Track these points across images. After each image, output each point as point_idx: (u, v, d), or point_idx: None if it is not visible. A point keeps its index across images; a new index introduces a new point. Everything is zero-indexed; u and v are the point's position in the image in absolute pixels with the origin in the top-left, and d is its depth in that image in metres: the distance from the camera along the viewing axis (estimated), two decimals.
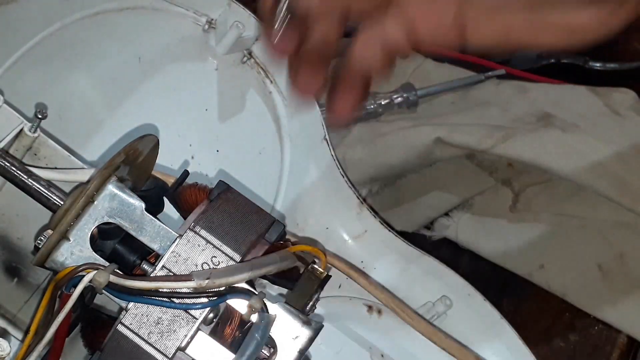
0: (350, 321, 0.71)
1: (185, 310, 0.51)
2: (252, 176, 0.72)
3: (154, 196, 0.57)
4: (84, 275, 0.50)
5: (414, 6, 0.50)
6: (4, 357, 0.55)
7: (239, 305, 0.51)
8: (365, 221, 0.73)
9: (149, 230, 0.53)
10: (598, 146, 0.78)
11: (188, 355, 0.51)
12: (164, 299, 0.50)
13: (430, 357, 0.69)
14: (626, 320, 0.80)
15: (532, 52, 0.91)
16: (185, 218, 0.55)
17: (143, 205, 0.53)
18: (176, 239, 0.52)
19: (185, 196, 0.56)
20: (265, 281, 0.55)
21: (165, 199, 0.59)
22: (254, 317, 0.51)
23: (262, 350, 0.51)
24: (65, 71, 0.70)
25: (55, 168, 0.58)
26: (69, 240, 0.52)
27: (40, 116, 0.57)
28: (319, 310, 0.60)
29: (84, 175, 0.57)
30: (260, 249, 0.53)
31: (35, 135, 0.57)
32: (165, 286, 0.50)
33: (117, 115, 0.72)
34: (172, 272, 0.51)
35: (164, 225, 0.53)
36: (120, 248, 0.54)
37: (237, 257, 0.52)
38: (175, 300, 0.50)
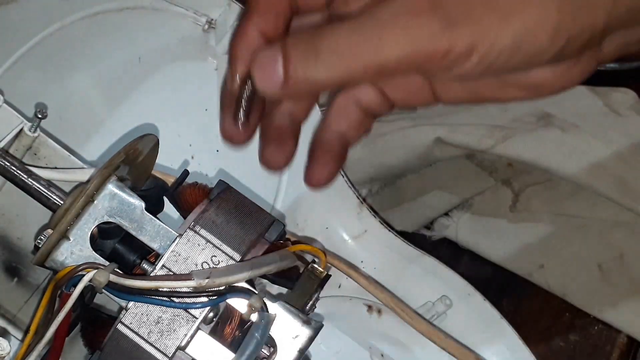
0: (350, 321, 0.71)
1: (185, 310, 0.51)
2: (252, 176, 0.72)
3: (154, 196, 0.57)
4: (84, 275, 0.50)
5: None
6: (4, 357, 0.55)
7: (239, 304, 0.51)
8: (365, 221, 0.73)
9: (149, 229, 0.53)
10: (598, 146, 0.78)
11: (188, 354, 0.51)
12: (164, 298, 0.50)
13: (430, 357, 0.69)
14: (626, 320, 0.80)
15: None
16: (185, 217, 0.55)
17: (143, 204, 0.53)
18: (176, 238, 0.52)
19: (185, 196, 0.56)
20: (265, 280, 0.55)
21: (165, 199, 0.59)
22: (254, 317, 0.51)
23: (262, 350, 0.51)
24: (65, 71, 0.70)
25: (55, 168, 0.58)
26: (69, 239, 0.52)
27: (40, 116, 0.57)
28: (319, 310, 0.60)
29: (84, 175, 0.57)
30: (260, 249, 0.53)
31: (35, 135, 0.57)
32: (165, 285, 0.50)
33: (117, 115, 0.72)
34: (172, 272, 0.51)
35: (164, 225, 0.53)
36: (120, 247, 0.54)
37: (237, 257, 0.52)
38: (175, 299, 0.50)
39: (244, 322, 0.52)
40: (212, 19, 0.72)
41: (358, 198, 0.73)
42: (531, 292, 0.83)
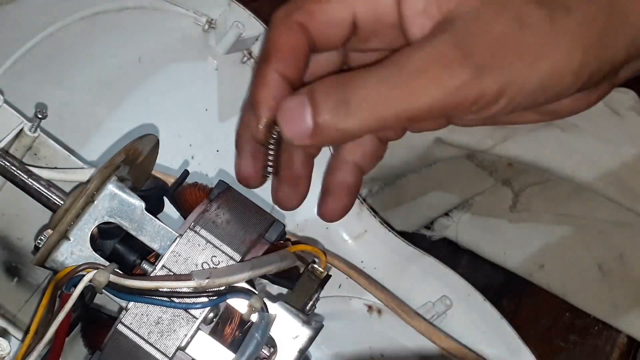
0: (350, 321, 0.71)
1: (185, 310, 0.51)
2: None
3: (154, 196, 0.57)
4: (84, 275, 0.50)
5: None
6: (4, 357, 0.55)
7: (239, 304, 0.51)
8: (365, 221, 0.73)
9: (149, 229, 0.53)
10: (598, 146, 0.78)
11: (188, 354, 0.51)
12: (164, 299, 0.50)
13: (430, 357, 0.69)
14: (626, 320, 0.80)
15: None
16: (185, 218, 0.55)
17: (143, 204, 0.53)
18: (176, 238, 0.52)
19: (185, 196, 0.56)
20: (265, 281, 0.55)
21: (165, 199, 0.59)
22: (254, 317, 0.51)
23: (262, 350, 0.51)
24: (65, 71, 0.70)
25: (55, 168, 0.58)
26: (69, 239, 0.52)
27: (40, 116, 0.57)
28: (319, 310, 0.60)
29: (84, 175, 0.57)
30: (260, 249, 0.53)
31: (35, 135, 0.57)
32: (165, 286, 0.50)
33: (117, 115, 0.72)
34: (172, 272, 0.51)
35: (164, 225, 0.53)
36: (120, 248, 0.54)
37: (237, 257, 0.52)
38: (175, 299, 0.50)
39: (244, 322, 0.52)
40: (212, 19, 0.72)
41: (358, 198, 0.73)
42: (531, 292, 0.83)
